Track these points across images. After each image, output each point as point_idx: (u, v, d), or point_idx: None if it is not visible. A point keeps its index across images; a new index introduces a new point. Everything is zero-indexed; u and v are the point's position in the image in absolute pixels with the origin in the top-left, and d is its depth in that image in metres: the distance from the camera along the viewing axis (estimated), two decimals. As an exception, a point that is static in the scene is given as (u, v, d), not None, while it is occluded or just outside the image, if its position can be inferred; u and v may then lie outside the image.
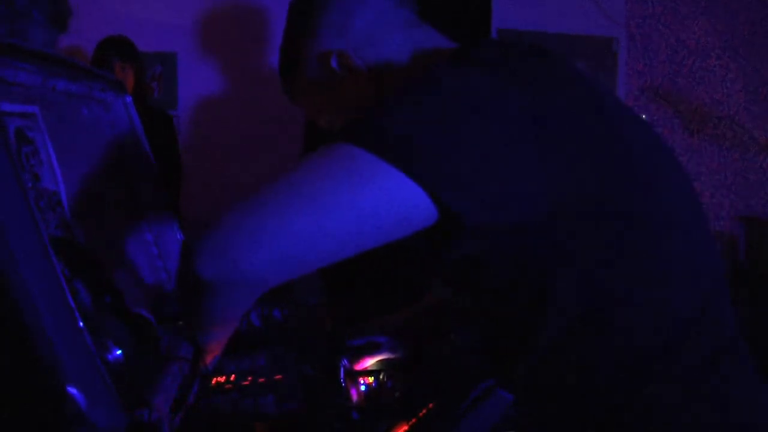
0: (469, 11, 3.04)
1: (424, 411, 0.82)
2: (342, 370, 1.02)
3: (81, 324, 0.62)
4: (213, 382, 0.94)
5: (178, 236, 1.19)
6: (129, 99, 1.16)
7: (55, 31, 1.68)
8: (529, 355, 0.78)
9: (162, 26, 3.29)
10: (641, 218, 0.75)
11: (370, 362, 1.09)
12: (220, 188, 2.86)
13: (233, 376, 0.97)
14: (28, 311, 0.60)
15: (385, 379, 1.03)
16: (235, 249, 0.63)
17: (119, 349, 0.72)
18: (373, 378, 1.03)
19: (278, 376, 0.96)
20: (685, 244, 0.79)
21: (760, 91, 4.16)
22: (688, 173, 0.85)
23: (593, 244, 0.73)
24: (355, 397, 0.98)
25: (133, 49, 2.75)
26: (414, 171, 0.65)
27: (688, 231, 0.80)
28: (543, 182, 0.69)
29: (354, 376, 1.04)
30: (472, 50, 0.77)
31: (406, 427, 0.82)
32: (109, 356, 0.71)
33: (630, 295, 0.75)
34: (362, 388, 1.01)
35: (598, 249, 0.73)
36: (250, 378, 0.95)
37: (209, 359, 0.92)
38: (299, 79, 0.94)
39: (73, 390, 0.62)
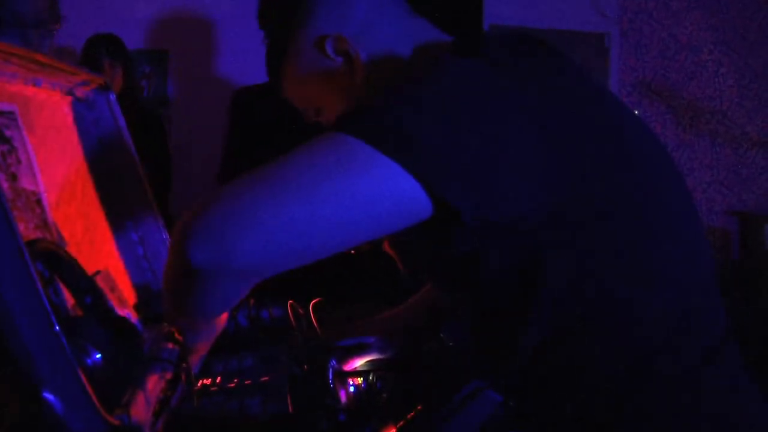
0: (461, 6, 3.04)
1: (412, 413, 0.81)
2: (330, 370, 1.01)
3: (57, 327, 0.60)
4: (198, 384, 0.93)
5: (164, 236, 1.18)
6: (113, 97, 1.14)
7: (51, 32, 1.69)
8: (525, 354, 0.77)
9: (153, 24, 3.27)
10: (641, 218, 0.75)
11: (359, 362, 1.08)
12: (210, 187, 2.85)
13: (219, 377, 0.95)
14: (1, 314, 0.59)
15: (375, 380, 1.01)
16: (227, 236, 0.62)
17: (99, 352, 0.70)
18: (362, 379, 1.02)
19: (265, 378, 0.94)
20: (684, 244, 0.79)
21: (752, 86, 4.17)
22: (680, 171, 0.85)
23: (593, 244, 0.72)
24: (343, 398, 0.97)
25: (123, 46, 2.74)
26: (412, 164, 0.64)
27: (685, 231, 0.80)
28: (543, 181, 0.69)
29: (343, 376, 1.02)
30: (473, 45, 0.76)
31: (393, 430, 0.81)
32: (88, 360, 0.69)
33: (629, 295, 0.74)
34: (351, 389, 1.00)
35: (597, 248, 0.73)
36: (236, 380, 0.94)
37: (195, 359, 0.91)
38: (290, 67, 0.91)
39: (49, 395, 0.60)
